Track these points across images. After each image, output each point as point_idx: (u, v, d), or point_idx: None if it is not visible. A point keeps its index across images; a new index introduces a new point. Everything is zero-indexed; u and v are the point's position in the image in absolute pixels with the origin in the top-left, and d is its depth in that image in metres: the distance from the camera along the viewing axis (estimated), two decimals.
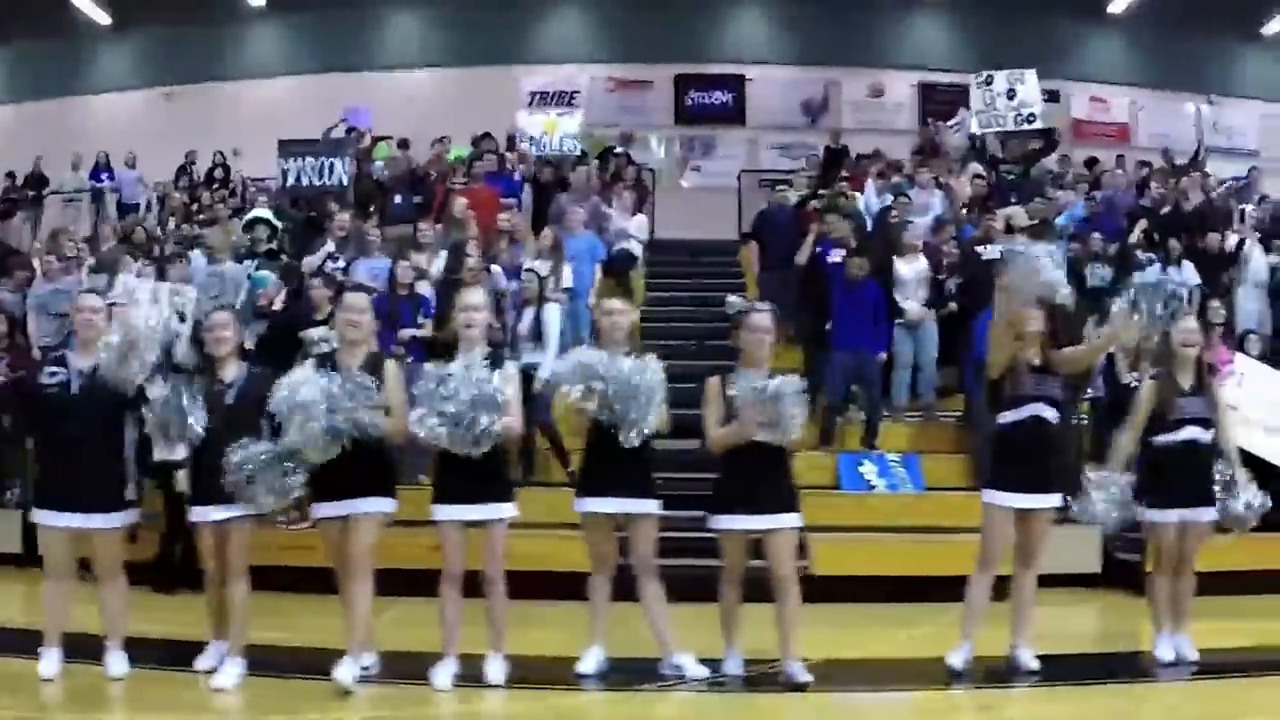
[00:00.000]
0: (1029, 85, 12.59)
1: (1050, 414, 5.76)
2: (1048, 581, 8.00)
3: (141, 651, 5.72)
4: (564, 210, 12.27)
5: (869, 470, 9.35)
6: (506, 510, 5.66)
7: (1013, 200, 12.16)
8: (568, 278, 10.87)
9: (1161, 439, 6.07)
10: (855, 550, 8.55)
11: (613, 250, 13.18)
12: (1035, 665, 5.79)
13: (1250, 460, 7.00)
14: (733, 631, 5.84)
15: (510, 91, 17.95)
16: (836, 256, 10.35)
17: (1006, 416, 5.78)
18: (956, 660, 5.79)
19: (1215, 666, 6.03)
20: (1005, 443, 5.84)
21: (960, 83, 17.80)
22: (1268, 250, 11.92)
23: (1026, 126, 12.76)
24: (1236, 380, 8.74)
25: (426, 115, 16.88)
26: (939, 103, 17.76)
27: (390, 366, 5.65)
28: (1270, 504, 6.22)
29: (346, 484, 5.40)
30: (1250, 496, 6.11)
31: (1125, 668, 6.19)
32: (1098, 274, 11.19)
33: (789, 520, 5.64)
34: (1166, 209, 12.83)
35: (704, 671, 5.68)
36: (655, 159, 17.40)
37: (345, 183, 12.97)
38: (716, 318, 12.99)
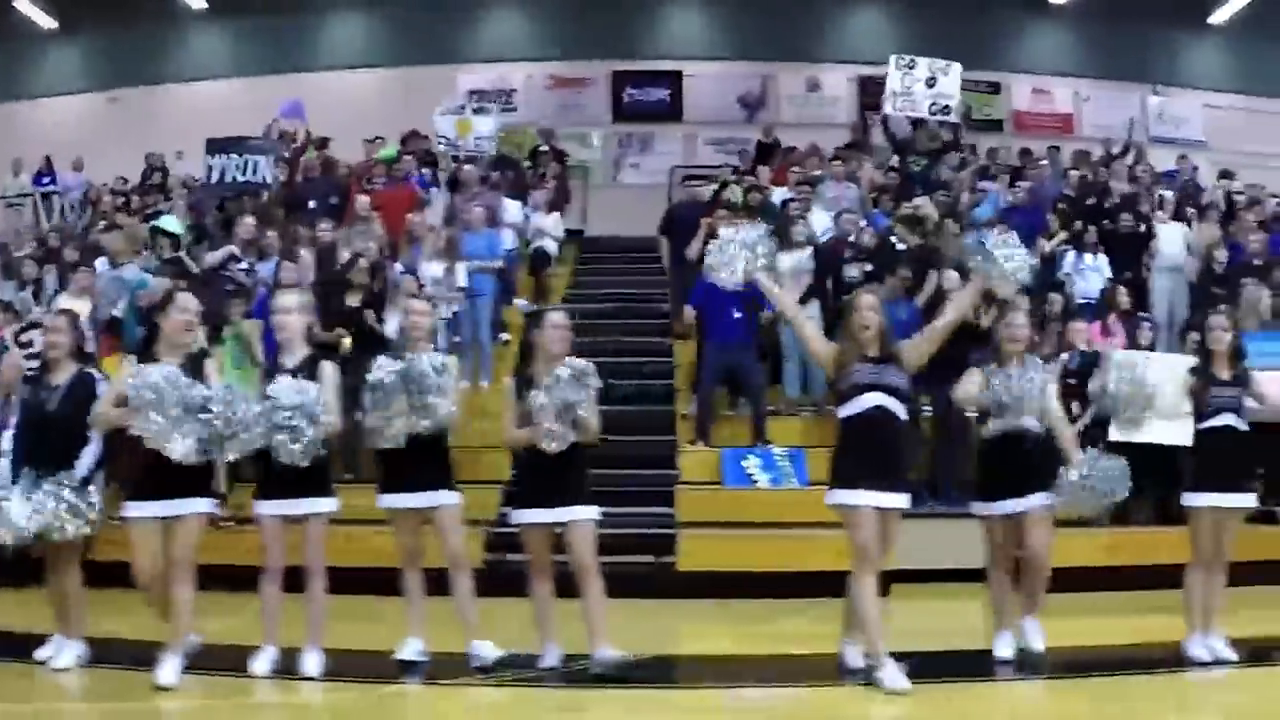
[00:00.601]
0: (951, 77, 12.49)
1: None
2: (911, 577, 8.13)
3: None
4: (459, 210, 12.31)
5: (753, 465, 9.27)
6: (324, 505, 5.74)
7: (918, 192, 12.08)
8: (462, 277, 10.88)
9: (989, 430, 6.05)
10: (727, 546, 8.50)
11: (529, 248, 13.30)
12: (860, 664, 5.67)
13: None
14: (546, 625, 5.86)
15: (449, 91, 17.88)
16: None
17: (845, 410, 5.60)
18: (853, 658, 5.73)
19: (1062, 665, 5.98)
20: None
21: None
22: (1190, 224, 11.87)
23: (941, 117, 12.64)
24: (1116, 376, 8.62)
25: (367, 115, 16.83)
26: (877, 95, 17.61)
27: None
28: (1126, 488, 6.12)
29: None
30: (1086, 470, 5.96)
31: (975, 666, 6.09)
32: None
33: (585, 512, 5.67)
34: (1092, 199, 12.73)
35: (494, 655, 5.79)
36: (592, 156, 17.32)
37: (269, 180, 12.96)
38: (639, 314, 13.03)
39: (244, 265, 11.23)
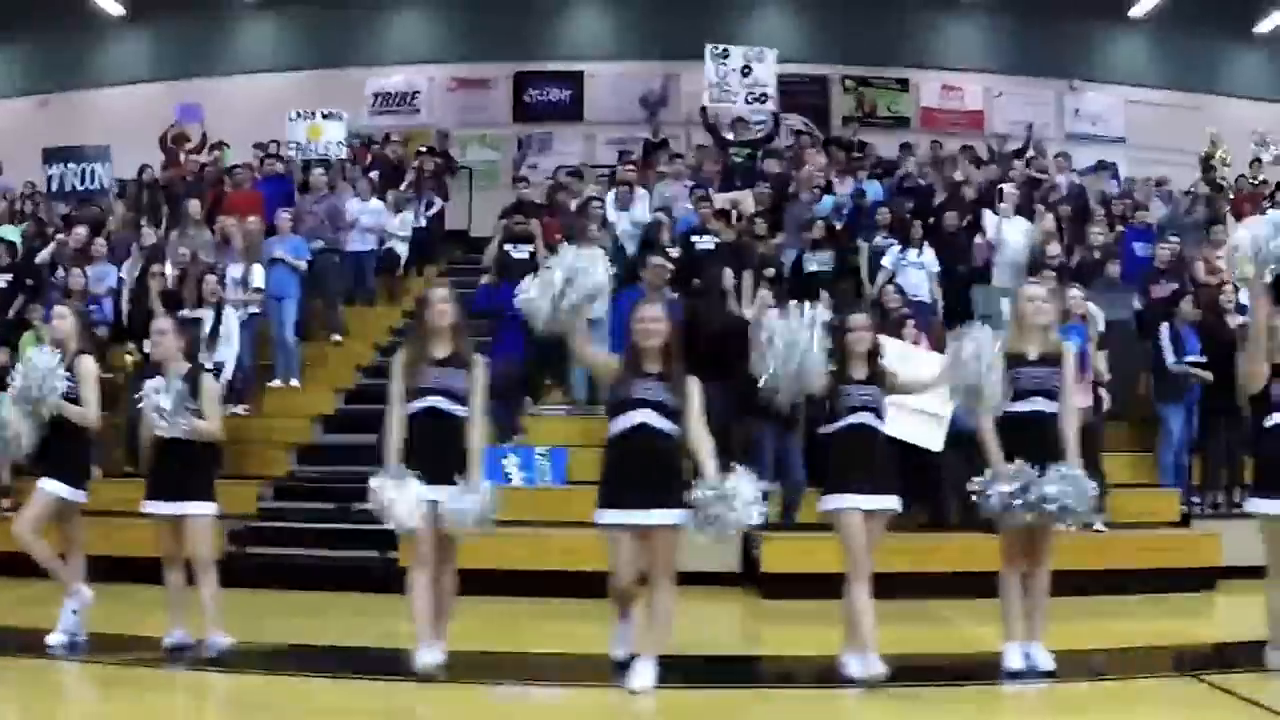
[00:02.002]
0: (767, 65, 12.30)
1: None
2: (687, 580, 7.99)
3: None
4: (303, 213, 12.39)
5: (511, 464, 9.19)
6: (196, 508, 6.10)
7: (737, 185, 11.90)
8: (259, 278, 10.93)
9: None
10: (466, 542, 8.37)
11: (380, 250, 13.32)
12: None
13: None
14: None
15: (355, 94, 17.96)
16: (521, 252, 10.38)
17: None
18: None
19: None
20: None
21: (808, 74, 17.65)
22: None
23: (758, 105, 12.44)
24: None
25: (279, 118, 16.90)
26: (783, 94, 17.42)
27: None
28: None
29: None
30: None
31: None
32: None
33: (194, 508, 6.07)
34: (942, 194, 12.46)
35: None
36: (490, 157, 17.29)
37: (107, 186, 13.13)
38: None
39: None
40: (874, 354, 5.79)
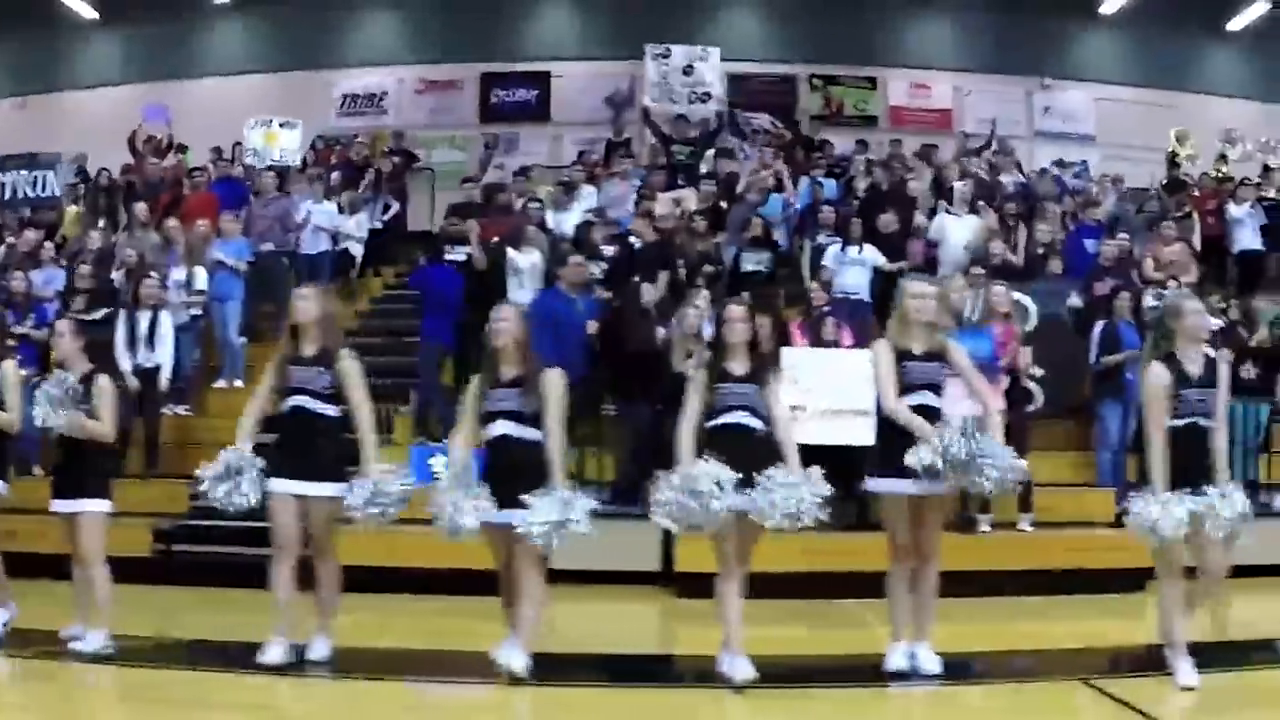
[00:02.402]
0: (710, 63, 12.28)
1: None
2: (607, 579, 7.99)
3: None
4: (254, 217, 12.41)
5: (439, 463, 9.14)
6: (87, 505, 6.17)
7: (681, 183, 11.86)
8: (201, 281, 10.94)
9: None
10: (384, 541, 8.34)
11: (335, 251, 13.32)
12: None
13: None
14: None
15: (324, 96, 18.01)
16: (457, 254, 10.42)
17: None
18: None
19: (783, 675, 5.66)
20: None
21: (773, 73, 17.60)
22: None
23: (700, 105, 12.41)
24: (790, 377, 8.32)
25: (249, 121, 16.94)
26: (749, 93, 17.43)
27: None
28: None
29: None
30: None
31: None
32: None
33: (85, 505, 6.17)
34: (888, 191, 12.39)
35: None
36: (456, 158, 17.26)
37: (59, 193, 13.18)
38: None
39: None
40: (755, 345, 5.70)
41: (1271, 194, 14.00)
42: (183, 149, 15.99)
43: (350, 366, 5.78)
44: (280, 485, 5.74)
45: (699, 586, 7.79)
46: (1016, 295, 9.10)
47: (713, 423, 5.57)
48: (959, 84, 17.79)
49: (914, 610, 5.71)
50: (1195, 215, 14.19)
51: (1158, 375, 5.47)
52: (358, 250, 13.30)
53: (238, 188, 13.70)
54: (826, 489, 5.42)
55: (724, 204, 11.94)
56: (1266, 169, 15.39)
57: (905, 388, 5.62)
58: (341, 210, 13.39)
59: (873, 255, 10.80)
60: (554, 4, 18.20)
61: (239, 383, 11.43)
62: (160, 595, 7.83)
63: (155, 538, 8.88)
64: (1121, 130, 17.63)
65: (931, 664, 5.62)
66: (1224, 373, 5.77)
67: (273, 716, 5.33)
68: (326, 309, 5.88)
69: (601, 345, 9.52)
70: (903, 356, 5.67)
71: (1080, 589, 8.39)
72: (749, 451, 5.45)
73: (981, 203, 11.68)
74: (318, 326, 5.77)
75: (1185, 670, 5.41)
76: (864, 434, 8.46)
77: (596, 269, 10.11)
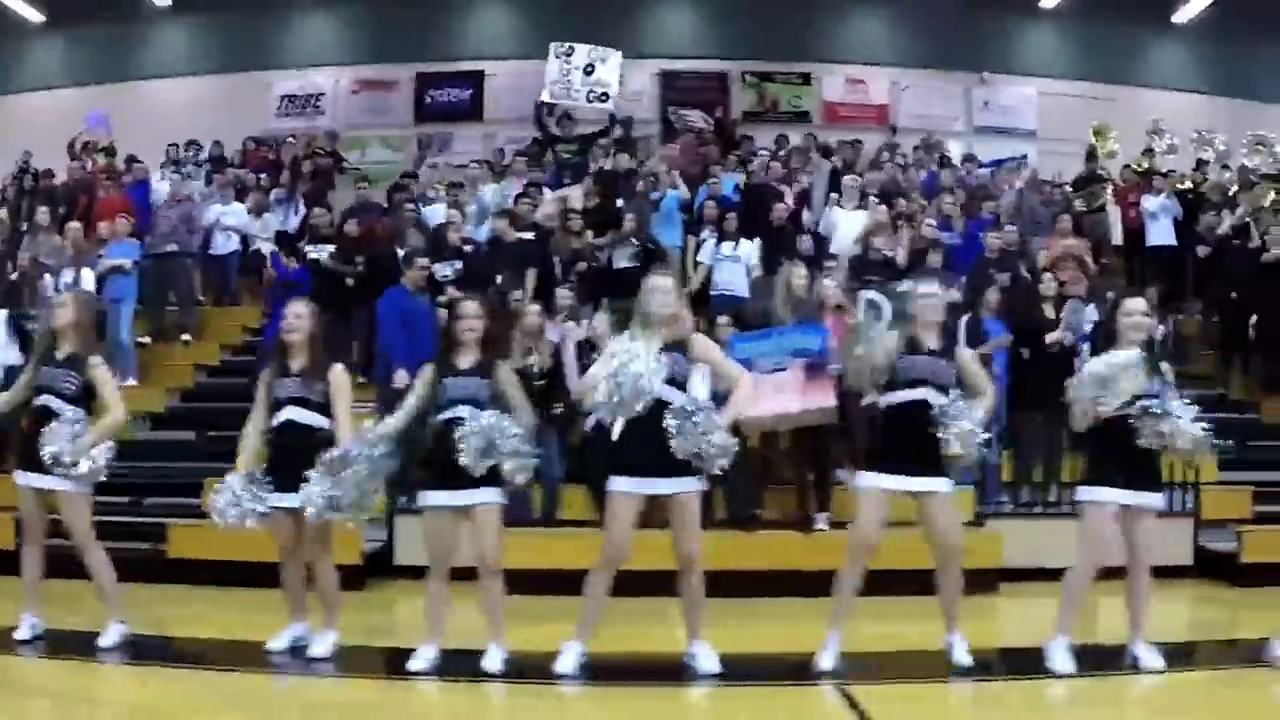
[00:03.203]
0: (610, 65, 12.27)
1: None
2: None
3: None
4: (158, 218, 12.51)
5: None
6: None
7: (566, 181, 11.82)
8: (88, 282, 11.00)
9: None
10: (215, 536, 8.34)
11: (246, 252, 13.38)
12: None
13: None
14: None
15: (263, 97, 18.07)
16: (320, 253, 10.45)
17: None
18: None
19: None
20: None
21: (706, 70, 17.52)
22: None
23: (598, 104, 12.37)
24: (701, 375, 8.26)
25: (191, 122, 17.02)
26: (682, 90, 17.36)
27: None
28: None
29: None
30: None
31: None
32: None
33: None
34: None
35: None
36: (391, 158, 17.28)
37: None
38: None
39: None
40: (488, 342, 5.69)
41: (1189, 186, 13.85)
42: (110, 152, 16.05)
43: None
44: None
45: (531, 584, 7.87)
46: (871, 294, 8.93)
47: (442, 416, 5.54)
48: (896, 79, 17.62)
49: (685, 610, 5.66)
50: (1117, 209, 14.18)
51: None
52: (268, 250, 13.28)
53: (149, 190, 13.77)
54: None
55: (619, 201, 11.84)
56: (1200, 162, 15.24)
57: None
58: (251, 212, 13.45)
59: (748, 252, 10.68)
60: (488, 4, 18.17)
61: (131, 381, 11.49)
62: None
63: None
64: (1064, 124, 17.34)
65: (710, 663, 5.57)
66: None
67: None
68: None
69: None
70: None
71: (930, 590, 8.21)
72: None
73: (872, 198, 11.54)
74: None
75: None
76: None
77: (449, 269, 10.07)
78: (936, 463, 5.67)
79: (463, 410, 5.48)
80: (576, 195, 11.35)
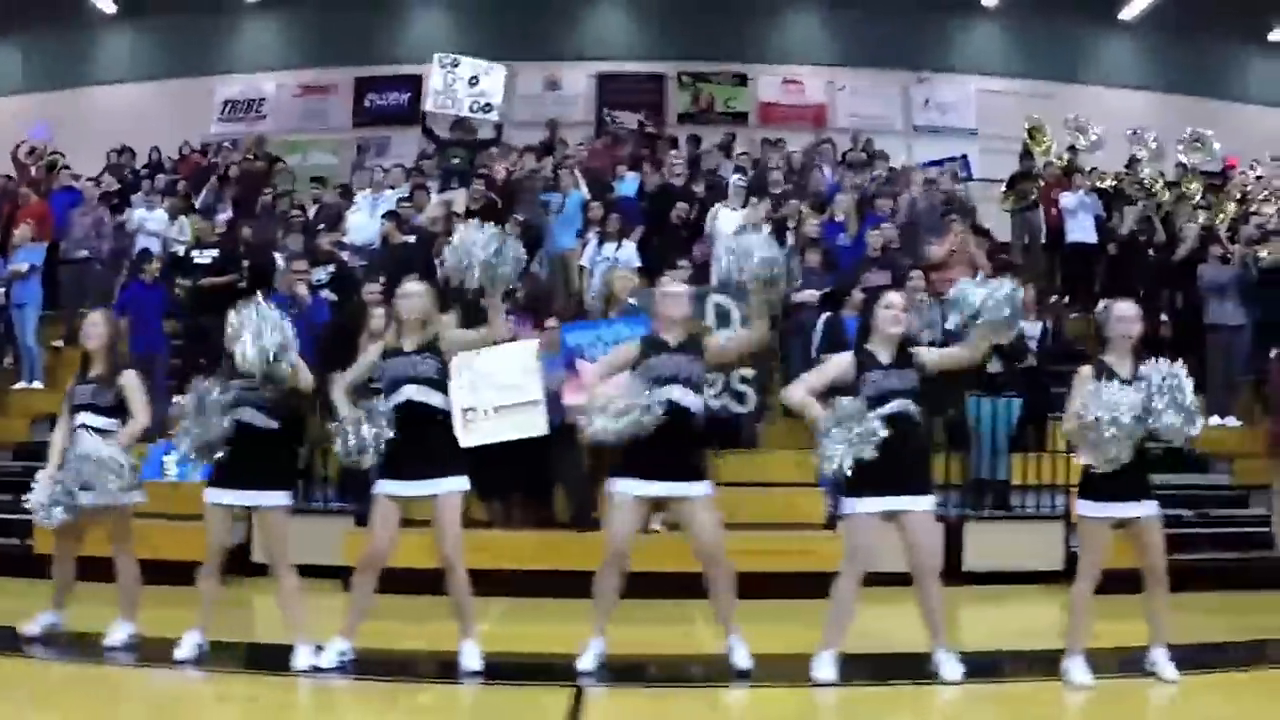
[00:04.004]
0: (494, 77, 12.42)
1: None
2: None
3: None
4: (72, 223, 12.62)
5: (171, 460, 9.31)
6: None
7: (453, 186, 11.87)
8: None
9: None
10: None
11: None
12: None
13: None
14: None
15: (206, 102, 18.21)
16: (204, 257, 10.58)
17: None
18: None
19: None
20: None
21: (641, 72, 17.52)
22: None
23: (481, 115, 12.50)
24: (458, 380, 8.24)
25: (137, 128, 17.18)
26: (618, 92, 17.36)
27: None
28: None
29: None
30: None
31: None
32: None
33: None
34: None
35: None
36: (330, 161, 17.37)
37: None
38: None
39: None
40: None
41: (1109, 184, 13.73)
42: (52, 165, 16.18)
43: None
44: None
45: None
46: (719, 298, 8.93)
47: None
48: (833, 79, 17.54)
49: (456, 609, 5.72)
50: (1041, 206, 14.06)
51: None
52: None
53: (71, 196, 13.86)
54: None
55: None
56: (1132, 159, 15.09)
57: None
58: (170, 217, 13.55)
59: (628, 254, 10.67)
60: (426, 8, 18.24)
61: (38, 384, 11.65)
62: None
63: None
64: (1005, 122, 17.19)
65: (473, 660, 5.63)
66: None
67: None
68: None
69: (333, 344, 9.52)
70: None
71: (781, 594, 8.14)
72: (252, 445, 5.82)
73: (753, 198, 11.49)
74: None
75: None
76: (537, 424, 8.45)
77: (324, 273, 10.13)
78: (695, 466, 5.64)
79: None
80: (461, 199, 11.40)
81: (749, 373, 9.07)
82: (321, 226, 10.85)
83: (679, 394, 5.57)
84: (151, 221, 13.37)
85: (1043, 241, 13.69)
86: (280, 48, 18.36)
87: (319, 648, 5.66)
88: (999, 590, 8.61)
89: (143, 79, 18.62)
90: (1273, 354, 7.28)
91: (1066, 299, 13.26)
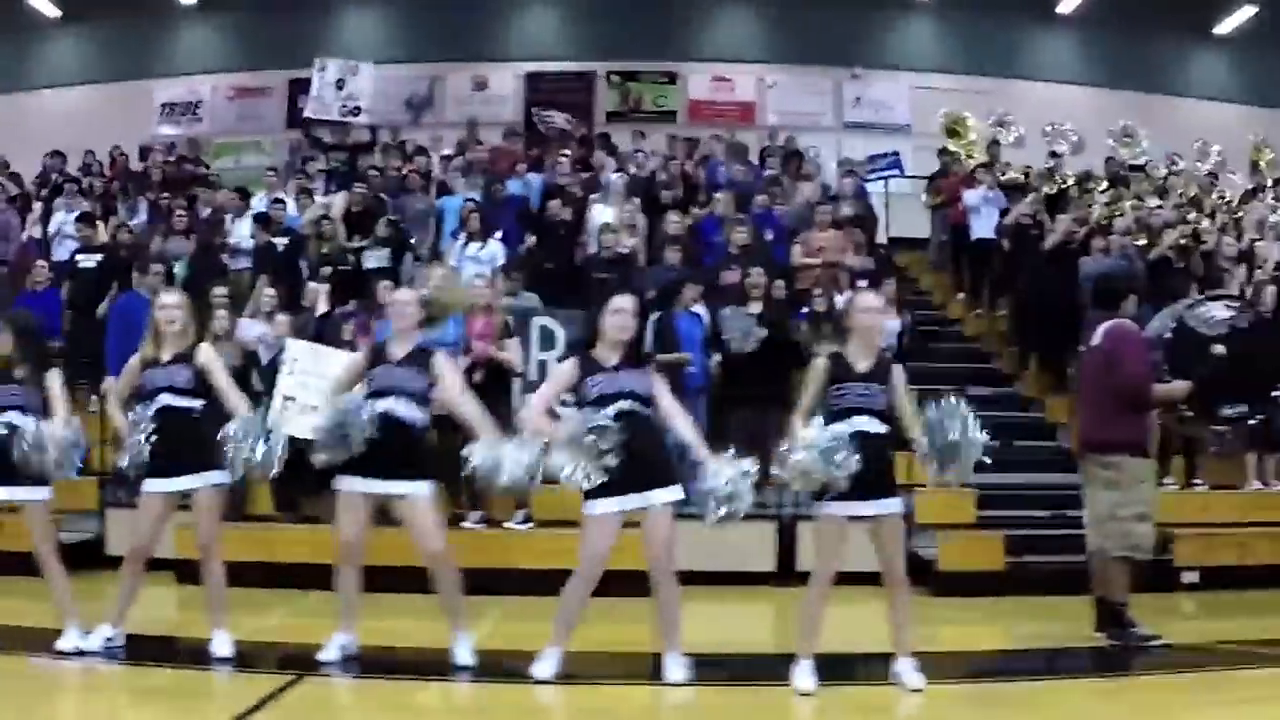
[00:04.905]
0: (362, 78, 12.43)
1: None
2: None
3: None
4: None
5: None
6: None
7: (332, 189, 11.93)
8: None
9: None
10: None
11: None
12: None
13: None
14: None
15: (146, 105, 18.34)
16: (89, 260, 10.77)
17: None
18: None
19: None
20: None
21: (570, 71, 17.49)
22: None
23: (351, 119, 12.52)
24: (289, 369, 8.25)
25: (79, 132, 17.35)
26: (546, 92, 17.35)
27: None
28: None
29: None
30: None
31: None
32: None
33: None
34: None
35: None
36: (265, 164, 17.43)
37: None
38: None
39: None
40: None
41: (1013, 179, 13.56)
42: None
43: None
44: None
45: None
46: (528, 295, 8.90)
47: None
48: (764, 76, 17.43)
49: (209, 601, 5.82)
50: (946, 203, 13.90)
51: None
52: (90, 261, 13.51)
53: None
54: None
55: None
56: (1052, 154, 14.91)
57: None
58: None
59: (493, 252, 10.64)
60: (358, 11, 18.28)
61: None
62: None
63: None
64: (937, 119, 17.08)
65: (223, 647, 5.71)
66: None
67: None
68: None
69: None
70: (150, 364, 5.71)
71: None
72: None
73: (636, 197, 11.44)
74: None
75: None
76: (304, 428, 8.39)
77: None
78: (416, 467, 5.63)
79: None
80: (338, 202, 11.44)
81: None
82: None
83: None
84: (68, 225, 13.49)
85: (943, 238, 13.55)
86: (216, 51, 18.45)
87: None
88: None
89: (86, 82, 18.76)
90: (1082, 349, 7.06)
91: (963, 296, 13.17)
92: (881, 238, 15.41)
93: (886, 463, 5.33)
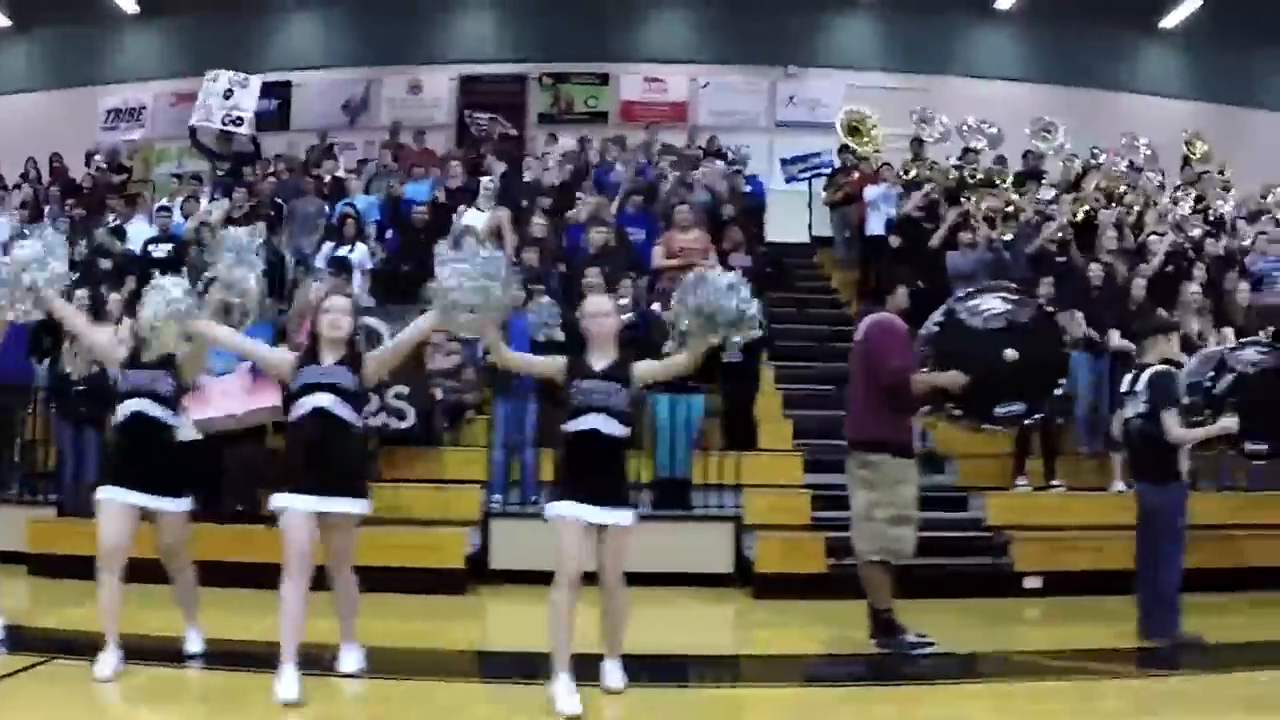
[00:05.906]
0: (249, 91, 12.62)
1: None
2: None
3: None
4: None
5: None
6: None
7: (217, 196, 12.10)
8: None
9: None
10: None
11: None
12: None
13: None
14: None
15: (91, 111, 18.60)
16: None
17: None
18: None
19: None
20: None
21: (503, 73, 17.54)
22: None
23: (233, 129, 12.67)
24: None
25: (28, 138, 17.61)
26: (480, 94, 17.40)
27: None
28: None
29: None
30: None
31: None
32: None
33: None
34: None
35: None
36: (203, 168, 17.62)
37: None
38: None
39: None
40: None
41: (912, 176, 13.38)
42: None
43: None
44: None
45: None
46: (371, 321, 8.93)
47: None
48: (696, 76, 17.36)
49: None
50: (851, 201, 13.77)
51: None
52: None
53: None
54: None
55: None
56: (967, 150, 14.70)
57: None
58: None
59: (360, 256, 10.69)
60: (296, 17, 18.42)
61: None
62: None
63: None
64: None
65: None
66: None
67: None
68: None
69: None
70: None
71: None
72: None
73: (523, 201, 11.46)
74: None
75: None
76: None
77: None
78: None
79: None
80: (219, 210, 11.57)
81: (404, 389, 9.14)
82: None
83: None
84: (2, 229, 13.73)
85: (845, 235, 13.44)
86: (158, 57, 18.66)
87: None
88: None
89: (34, 89, 19.07)
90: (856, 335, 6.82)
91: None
92: (804, 237, 15.46)
93: (621, 466, 5.25)
